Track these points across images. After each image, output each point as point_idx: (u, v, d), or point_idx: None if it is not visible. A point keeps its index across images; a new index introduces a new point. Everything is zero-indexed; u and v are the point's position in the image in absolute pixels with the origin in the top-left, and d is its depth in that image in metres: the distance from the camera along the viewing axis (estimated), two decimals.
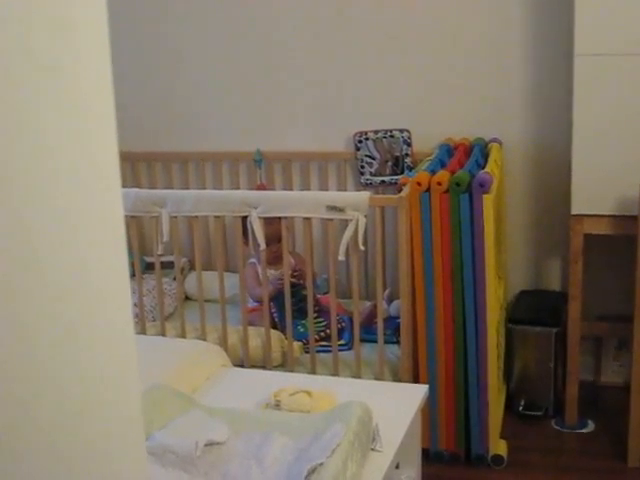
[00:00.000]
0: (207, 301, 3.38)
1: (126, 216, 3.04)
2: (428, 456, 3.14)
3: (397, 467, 2.35)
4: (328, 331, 3.35)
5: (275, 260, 3.46)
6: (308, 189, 3.99)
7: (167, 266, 3.68)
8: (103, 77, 0.83)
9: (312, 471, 1.90)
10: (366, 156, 3.87)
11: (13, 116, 0.72)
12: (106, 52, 0.83)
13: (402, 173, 3.74)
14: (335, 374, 3.16)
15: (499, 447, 3.23)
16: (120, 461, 0.92)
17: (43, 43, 0.75)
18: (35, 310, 0.76)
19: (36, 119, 0.75)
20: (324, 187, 3.98)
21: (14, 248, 0.73)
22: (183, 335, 3.34)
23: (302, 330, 3.40)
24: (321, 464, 1.90)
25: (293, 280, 3.39)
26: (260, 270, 3.41)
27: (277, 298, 3.37)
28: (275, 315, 3.42)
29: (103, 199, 0.86)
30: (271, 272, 3.46)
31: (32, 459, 0.78)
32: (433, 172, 3.08)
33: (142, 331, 3.33)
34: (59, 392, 0.80)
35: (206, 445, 2.03)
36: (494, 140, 3.65)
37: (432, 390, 2.99)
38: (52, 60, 0.76)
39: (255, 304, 3.55)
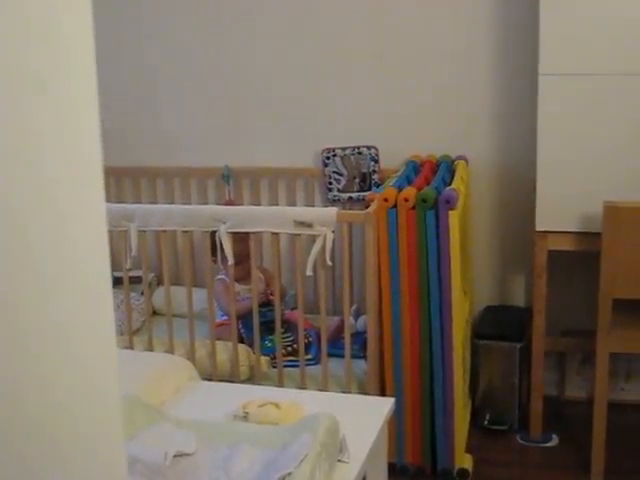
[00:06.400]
0: (175, 316, 3.39)
1: None
2: (394, 470, 3.16)
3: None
4: (295, 346, 3.36)
5: (245, 276, 3.47)
6: (276, 205, 4.00)
7: (135, 281, 3.68)
8: (89, 91, 0.86)
9: None
10: (334, 172, 3.90)
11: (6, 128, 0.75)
12: (92, 67, 0.86)
13: (369, 189, 3.77)
14: (302, 388, 3.17)
15: (465, 461, 3.26)
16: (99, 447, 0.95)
17: (31, 60, 0.78)
18: (27, 310, 0.80)
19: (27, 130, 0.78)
20: (292, 203, 4.00)
21: (12, 252, 0.76)
22: (151, 349, 3.34)
23: (269, 345, 3.41)
24: (289, 474, 1.91)
25: (266, 299, 3.41)
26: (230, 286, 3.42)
27: (245, 317, 3.38)
28: (242, 332, 3.43)
29: (88, 209, 0.89)
30: (242, 287, 3.47)
31: (21, 448, 0.80)
32: (400, 188, 3.11)
33: None
34: (46, 388, 0.83)
35: (175, 456, 2.03)
36: (460, 157, 3.70)
37: (398, 404, 3.01)
38: (39, 75, 0.79)
39: (223, 318, 3.55)
